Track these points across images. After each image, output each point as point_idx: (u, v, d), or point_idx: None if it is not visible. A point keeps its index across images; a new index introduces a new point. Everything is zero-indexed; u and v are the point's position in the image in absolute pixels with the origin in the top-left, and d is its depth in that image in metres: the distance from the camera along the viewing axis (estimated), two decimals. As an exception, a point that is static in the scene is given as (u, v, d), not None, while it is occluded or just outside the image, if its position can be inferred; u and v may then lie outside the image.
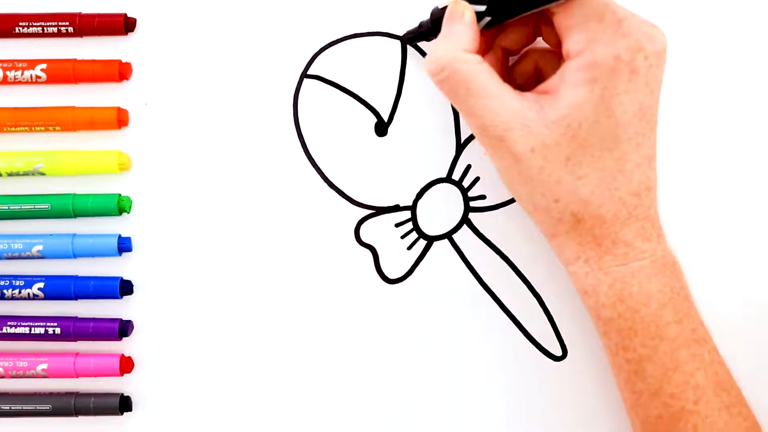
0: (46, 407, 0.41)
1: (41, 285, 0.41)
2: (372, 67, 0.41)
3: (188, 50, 0.41)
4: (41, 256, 0.41)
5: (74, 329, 0.41)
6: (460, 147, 0.41)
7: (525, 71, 0.38)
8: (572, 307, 0.41)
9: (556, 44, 0.36)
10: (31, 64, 0.40)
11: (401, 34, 0.41)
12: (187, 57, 0.41)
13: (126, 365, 0.41)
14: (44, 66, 0.40)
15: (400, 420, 0.42)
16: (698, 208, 0.41)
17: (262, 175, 0.41)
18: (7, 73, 0.40)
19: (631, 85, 0.32)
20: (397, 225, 0.42)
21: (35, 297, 0.41)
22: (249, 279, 0.41)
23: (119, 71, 0.41)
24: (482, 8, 0.34)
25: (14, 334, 0.41)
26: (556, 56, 0.37)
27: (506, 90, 0.33)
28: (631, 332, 0.34)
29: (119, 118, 0.41)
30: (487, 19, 0.34)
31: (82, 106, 0.41)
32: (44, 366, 0.41)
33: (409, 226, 0.42)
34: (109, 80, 0.41)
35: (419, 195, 0.42)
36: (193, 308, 0.42)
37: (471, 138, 0.41)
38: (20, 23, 0.40)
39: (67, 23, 0.40)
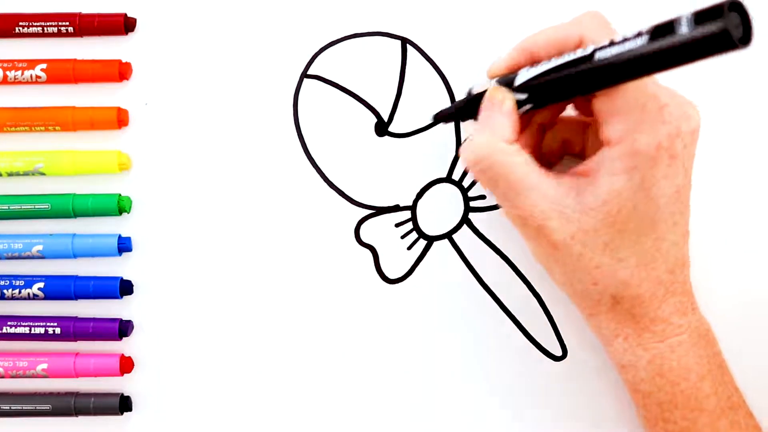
0: (46, 407, 0.41)
1: (41, 285, 0.41)
2: (372, 67, 0.41)
3: (188, 50, 0.41)
4: (41, 256, 0.41)
5: (74, 329, 0.41)
6: (460, 147, 0.41)
7: (552, 142, 0.38)
8: (572, 307, 0.41)
9: (585, 112, 0.36)
10: (31, 64, 0.40)
11: (403, 35, 0.41)
12: (187, 57, 0.41)
13: (126, 365, 0.41)
14: (44, 66, 0.40)
15: (400, 420, 0.42)
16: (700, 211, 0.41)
17: (262, 175, 0.41)
18: (7, 73, 0.40)
19: (670, 170, 0.32)
20: (397, 225, 0.42)
21: (35, 297, 0.41)
22: (249, 279, 0.41)
23: (119, 71, 0.41)
24: (523, 96, 0.33)
25: (14, 334, 0.41)
26: (582, 126, 0.37)
27: (543, 178, 0.33)
28: (672, 405, 0.35)
29: (119, 118, 0.41)
30: (528, 105, 0.34)
31: (82, 106, 0.41)
32: (44, 366, 0.41)
33: (409, 226, 0.42)
34: (109, 80, 0.41)
35: (419, 195, 0.42)
36: (193, 308, 0.42)
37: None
38: (20, 23, 0.40)
39: (67, 23, 0.40)
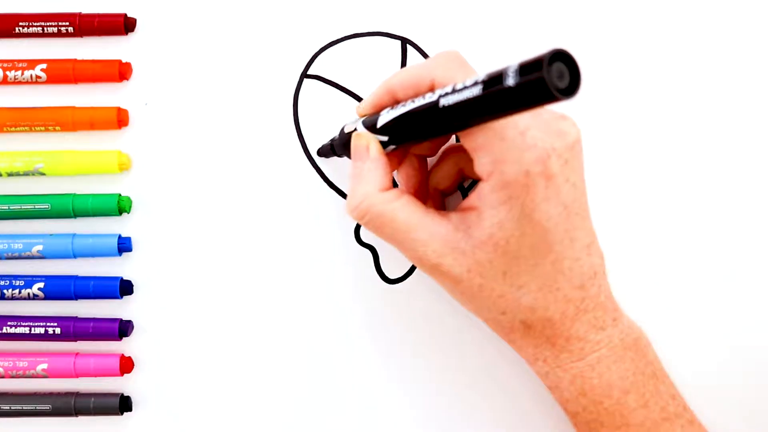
0: (46, 407, 0.41)
1: (41, 285, 0.41)
2: (372, 67, 0.41)
3: (188, 50, 0.41)
4: (41, 256, 0.41)
5: (74, 329, 0.41)
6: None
7: (447, 174, 0.38)
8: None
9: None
10: (31, 64, 0.40)
11: (401, 35, 0.41)
12: (187, 57, 0.41)
13: (126, 365, 0.41)
14: (44, 66, 0.40)
15: (400, 420, 0.42)
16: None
17: (263, 175, 0.41)
18: (7, 73, 0.40)
19: (550, 191, 0.31)
20: (397, 225, 0.42)
21: (35, 297, 0.41)
22: (249, 279, 0.41)
23: (119, 71, 0.41)
24: (384, 138, 0.34)
25: (14, 334, 0.41)
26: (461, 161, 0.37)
27: (429, 218, 0.33)
28: (598, 423, 0.35)
29: (119, 118, 0.41)
30: (392, 147, 0.34)
31: (82, 106, 0.41)
32: (44, 366, 0.41)
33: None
34: (109, 80, 0.41)
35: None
36: (193, 308, 0.42)
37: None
38: (20, 23, 0.40)
39: (67, 23, 0.40)
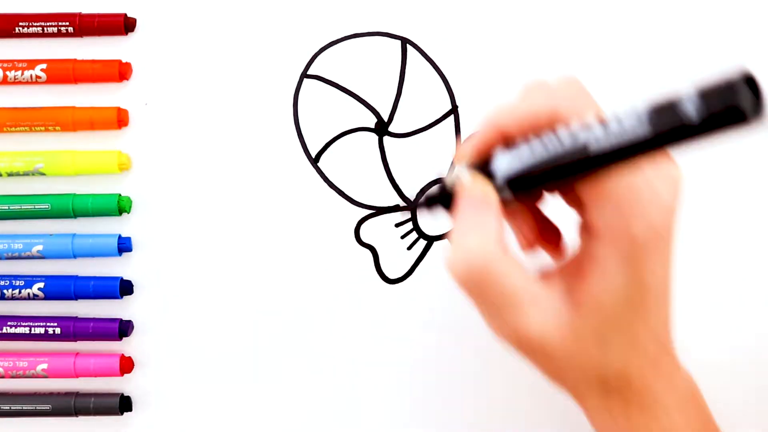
0: (46, 407, 0.41)
1: (41, 285, 0.41)
2: (372, 67, 0.41)
3: (188, 50, 0.41)
4: (41, 256, 0.41)
5: (74, 329, 0.41)
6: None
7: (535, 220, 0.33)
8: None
9: (567, 196, 0.31)
10: (31, 64, 0.40)
11: (401, 36, 0.41)
12: (187, 57, 0.41)
13: (126, 365, 0.41)
14: (44, 66, 0.40)
15: (400, 419, 0.42)
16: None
17: (263, 174, 0.41)
18: (7, 73, 0.40)
19: (665, 250, 0.28)
20: (397, 225, 0.42)
21: (35, 297, 0.41)
22: (249, 279, 0.41)
23: (119, 71, 0.41)
24: (508, 196, 0.29)
25: (14, 334, 0.41)
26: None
27: (538, 288, 0.29)
28: None
29: (119, 118, 0.41)
30: (510, 197, 0.29)
31: (82, 106, 0.41)
32: (44, 366, 0.41)
33: (409, 226, 0.42)
34: (109, 80, 0.41)
35: (419, 195, 0.42)
36: (193, 308, 0.42)
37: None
38: (20, 23, 0.40)
39: (67, 23, 0.40)
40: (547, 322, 0.29)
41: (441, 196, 0.31)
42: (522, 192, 0.28)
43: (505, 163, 0.28)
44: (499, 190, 0.28)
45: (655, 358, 0.31)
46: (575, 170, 0.26)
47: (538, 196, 0.32)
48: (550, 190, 0.31)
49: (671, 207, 0.27)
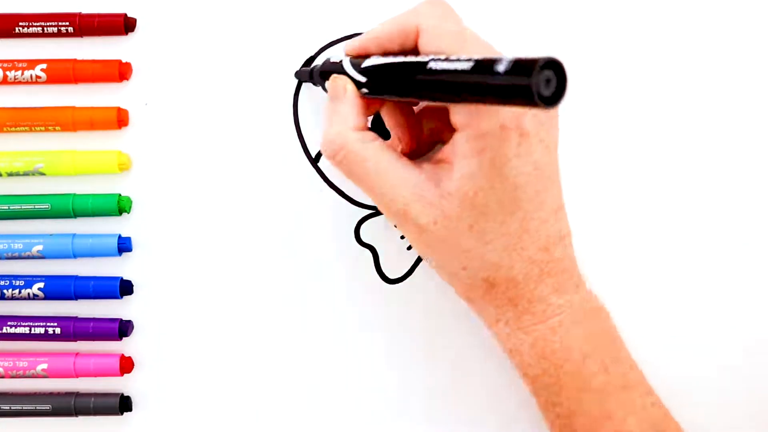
0: (46, 407, 0.41)
1: (41, 285, 0.41)
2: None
3: (188, 50, 0.41)
4: (41, 256, 0.41)
5: (74, 329, 0.41)
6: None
7: (420, 132, 0.38)
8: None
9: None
10: (31, 64, 0.40)
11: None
12: (187, 57, 0.41)
13: (126, 365, 0.41)
14: (44, 66, 0.40)
15: (400, 420, 0.42)
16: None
17: (263, 175, 0.41)
18: (7, 73, 0.40)
19: (522, 149, 0.31)
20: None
21: (35, 297, 0.41)
22: (249, 279, 0.41)
23: (119, 71, 0.41)
24: (363, 79, 0.34)
25: (14, 334, 0.41)
26: (446, 112, 0.36)
27: (402, 165, 0.33)
28: (557, 387, 0.35)
29: (119, 118, 0.41)
30: (365, 90, 0.34)
31: (82, 106, 0.41)
32: (44, 366, 0.41)
33: (409, 226, 0.42)
34: (109, 80, 0.41)
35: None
36: (193, 308, 0.42)
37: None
38: (20, 23, 0.40)
39: (67, 23, 0.40)
40: (411, 195, 0.32)
41: (321, 69, 0.37)
42: (379, 90, 0.33)
43: (371, 61, 0.34)
44: (360, 86, 0.34)
45: (543, 267, 0.33)
46: (413, 79, 0.30)
47: (410, 106, 0.37)
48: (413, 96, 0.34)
49: (522, 110, 0.31)
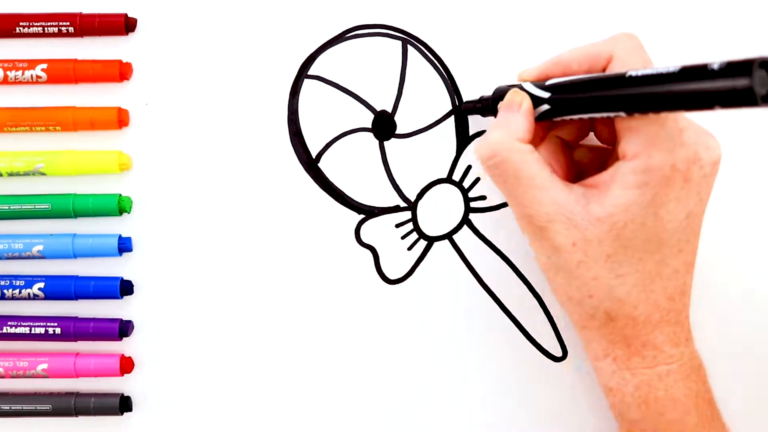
0: (46, 407, 0.41)
1: (41, 285, 0.41)
2: (372, 67, 0.41)
3: (188, 50, 0.41)
4: (41, 256, 0.41)
5: (74, 329, 0.41)
6: (461, 147, 0.41)
7: (572, 165, 0.38)
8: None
9: (607, 140, 0.36)
10: (32, 64, 0.40)
11: (404, 36, 0.41)
12: (187, 57, 0.41)
13: (126, 365, 0.41)
14: (45, 66, 0.40)
15: (400, 420, 0.42)
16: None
17: (263, 175, 0.41)
18: (8, 73, 0.40)
19: (683, 194, 0.32)
20: (398, 225, 0.42)
21: (35, 297, 0.41)
22: (249, 279, 0.41)
23: (120, 71, 0.41)
24: (545, 95, 0.34)
25: (14, 334, 0.41)
26: (602, 153, 0.37)
27: (554, 181, 0.33)
28: None
29: (120, 118, 0.41)
30: (546, 107, 0.34)
31: (83, 106, 0.41)
32: (44, 366, 0.41)
33: (410, 226, 0.42)
34: (109, 80, 0.41)
35: (420, 195, 0.42)
36: (193, 308, 0.42)
37: (471, 139, 0.41)
38: (21, 23, 0.40)
39: (68, 23, 0.40)
40: (557, 213, 0.32)
41: (492, 100, 0.37)
42: (562, 108, 0.33)
43: (552, 81, 0.34)
44: (538, 100, 0.34)
45: (664, 315, 0.34)
46: (604, 96, 0.31)
47: (578, 135, 0.37)
48: (590, 125, 0.36)
49: (695, 158, 0.31)
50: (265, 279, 0.41)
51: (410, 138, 0.42)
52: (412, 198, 0.42)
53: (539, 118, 0.35)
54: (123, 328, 0.41)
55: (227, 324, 0.42)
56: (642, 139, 0.31)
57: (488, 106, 0.38)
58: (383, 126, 0.41)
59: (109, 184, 0.41)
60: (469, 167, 0.42)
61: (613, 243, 0.32)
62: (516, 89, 0.35)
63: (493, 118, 0.37)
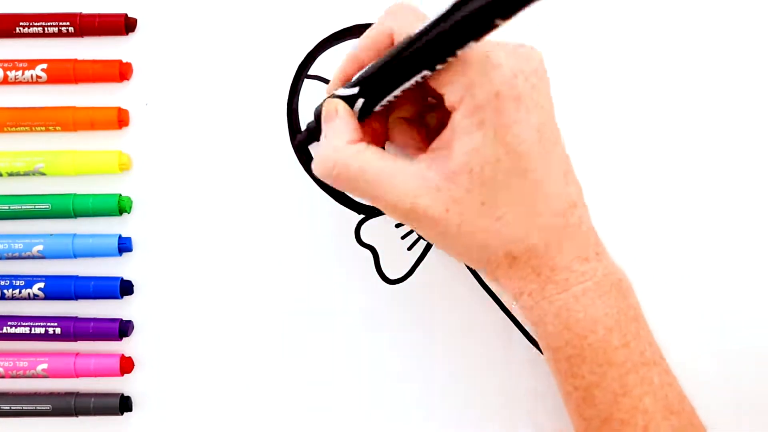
0: (46, 407, 0.41)
1: (41, 285, 0.41)
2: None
3: (188, 50, 0.41)
4: (42, 256, 0.41)
5: (74, 329, 0.41)
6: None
7: (427, 132, 0.37)
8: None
9: (438, 97, 0.35)
10: (32, 64, 0.40)
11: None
12: (187, 57, 0.41)
13: (126, 365, 0.41)
14: (45, 66, 0.40)
15: (399, 420, 0.42)
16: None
17: (263, 175, 0.41)
18: (8, 73, 0.40)
19: (521, 114, 0.31)
20: (398, 225, 0.42)
21: (35, 297, 0.41)
22: (249, 279, 0.41)
23: (120, 71, 0.41)
24: (354, 90, 0.34)
25: (14, 334, 0.41)
26: (445, 109, 0.36)
27: (399, 164, 0.33)
28: (579, 359, 0.34)
29: (120, 118, 0.41)
30: (360, 101, 0.34)
31: (83, 106, 0.41)
32: (44, 366, 0.41)
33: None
34: (109, 80, 0.41)
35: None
36: (193, 308, 0.42)
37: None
38: (21, 23, 0.40)
39: (68, 23, 0.40)
40: (416, 188, 0.32)
41: (316, 120, 0.37)
42: (374, 93, 0.33)
43: (356, 76, 0.34)
44: (354, 100, 0.34)
45: (560, 231, 0.33)
46: (398, 62, 0.31)
47: (416, 107, 0.37)
48: (420, 94, 0.36)
49: (514, 74, 0.31)
50: (265, 279, 0.41)
51: (410, 138, 0.41)
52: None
53: (363, 115, 0.34)
54: (123, 328, 0.41)
55: (227, 324, 0.42)
56: (456, 84, 0.31)
57: (316, 128, 0.37)
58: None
59: (109, 184, 0.41)
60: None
61: (481, 189, 0.32)
62: (328, 99, 0.35)
63: None
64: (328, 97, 0.35)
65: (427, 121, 0.38)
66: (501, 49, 0.31)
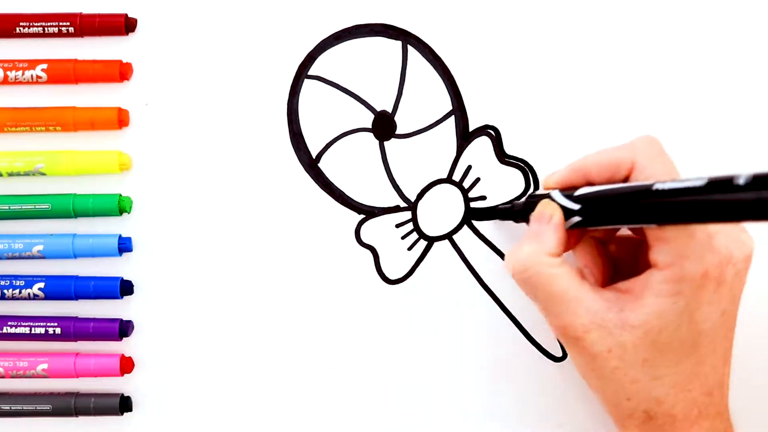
0: (46, 407, 0.41)
1: (41, 285, 0.41)
2: (372, 67, 0.41)
3: (188, 50, 0.41)
4: (42, 256, 0.41)
5: (74, 329, 0.41)
6: (461, 147, 0.41)
7: (607, 259, 0.38)
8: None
9: (639, 232, 0.36)
10: (32, 64, 0.40)
11: (403, 35, 0.41)
12: (187, 57, 0.41)
13: (126, 365, 0.41)
14: (45, 66, 0.40)
15: (399, 420, 0.42)
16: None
17: (263, 175, 0.41)
18: (8, 73, 0.40)
19: (716, 297, 0.32)
20: (398, 225, 0.42)
21: (35, 297, 0.41)
22: (249, 279, 0.42)
23: (120, 71, 0.41)
24: (576, 207, 0.34)
25: (14, 334, 0.41)
26: (635, 244, 0.37)
27: (586, 292, 0.33)
28: None
29: (120, 118, 0.41)
30: (576, 218, 0.34)
31: (83, 106, 0.41)
32: (44, 366, 0.41)
33: (410, 226, 0.42)
34: (109, 80, 0.41)
35: (420, 195, 0.42)
36: (193, 308, 0.42)
37: (471, 139, 0.41)
38: (21, 23, 0.40)
39: (68, 23, 0.40)
40: (591, 323, 0.33)
41: (525, 207, 0.37)
42: (593, 219, 0.33)
43: (581, 192, 0.34)
44: (571, 214, 0.34)
45: (702, 410, 0.34)
46: (635, 205, 0.31)
47: (612, 232, 0.37)
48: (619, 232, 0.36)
49: (727, 260, 0.32)
50: (265, 279, 0.41)
51: (410, 138, 0.42)
52: (412, 198, 0.42)
53: (571, 228, 0.34)
54: (123, 328, 0.41)
55: (227, 324, 0.42)
56: (673, 249, 0.31)
57: (521, 211, 0.38)
58: (383, 126, 0.41)
59: (109, 184, 0.41)
60: (469, 167, 0.42)
61: (649, 348, 0.32)
62: (547, 200, 0.35)
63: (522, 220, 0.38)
64: (546, 195, 0.36)
65: (613, 247, 0.38)
66: (724, 236, 0.32)
